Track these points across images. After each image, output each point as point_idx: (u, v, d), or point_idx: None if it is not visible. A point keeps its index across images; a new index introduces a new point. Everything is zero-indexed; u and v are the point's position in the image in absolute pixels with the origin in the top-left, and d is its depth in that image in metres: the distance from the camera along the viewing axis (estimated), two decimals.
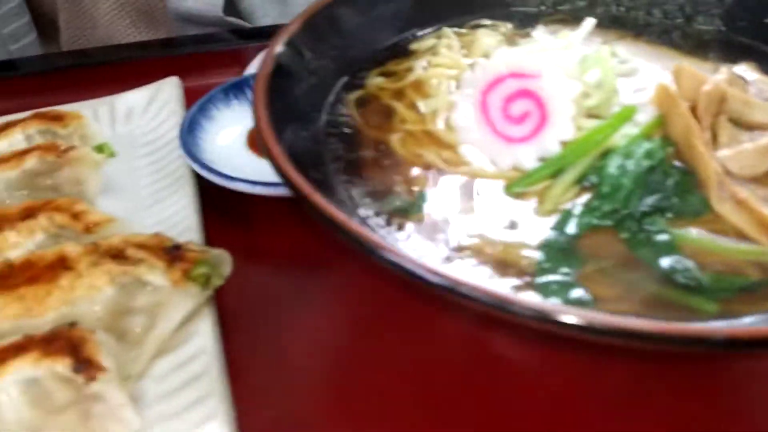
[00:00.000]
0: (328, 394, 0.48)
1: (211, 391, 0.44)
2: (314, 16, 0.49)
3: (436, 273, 0.30)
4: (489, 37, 0.56)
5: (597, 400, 0.44)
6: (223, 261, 0.49)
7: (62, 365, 0.39)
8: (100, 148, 0.58)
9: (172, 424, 0.43)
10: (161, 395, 0.44)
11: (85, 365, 0.38)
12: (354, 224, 0.33)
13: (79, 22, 0.99)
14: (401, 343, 0.51)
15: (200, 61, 0.82)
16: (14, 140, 0.60)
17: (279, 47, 0.46)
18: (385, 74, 0.54)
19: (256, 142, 0.68)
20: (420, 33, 0.58)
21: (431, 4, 0.59)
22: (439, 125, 0.47)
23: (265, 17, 1.01)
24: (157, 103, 0.71)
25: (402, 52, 0.57)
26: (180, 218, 0.57)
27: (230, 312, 0.51)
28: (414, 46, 0.57)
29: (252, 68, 0.79)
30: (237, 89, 0.71)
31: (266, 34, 0.90)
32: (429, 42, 0.57)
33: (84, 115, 0.61)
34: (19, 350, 0.40)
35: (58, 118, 0.60)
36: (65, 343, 0.40)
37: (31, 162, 0.55)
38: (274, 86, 0.43)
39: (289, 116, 0.43)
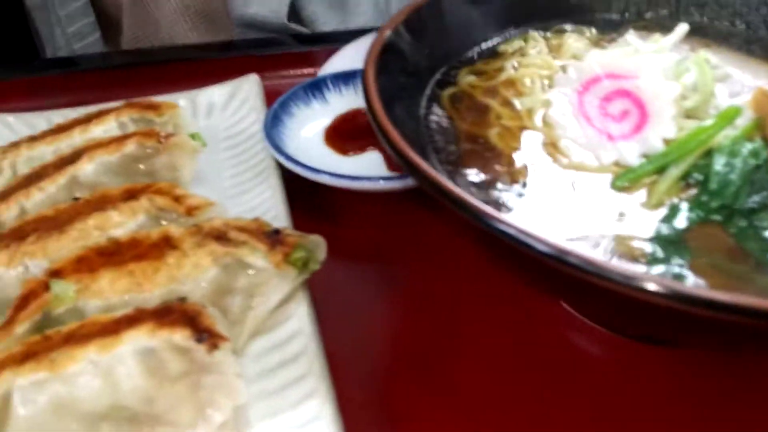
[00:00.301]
0: (412, 376, 0.49)
1: (310, 370, 0.45)
2: (415, 11, 0.51)
3: (567, 251, 0.31)
4: (576, 40, 0.57)
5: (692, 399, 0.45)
6: (319, 246, 0.50)
7: (180, 335, 0.40)
8: (193, 137, 0.59)
9: (273, 401, 0.44)
10: (260, 373, 0.46)
11: (207, 335, 0.39)
12: (479, 203, 0.34)
13: (141, 24, 1.02)
14: (486, 336, 0.52)
15: (271, 62, 0.84)
16: (108, 127, 0.62)
17: (388, 32, 0.47)
18: (475, 73, 0.55)
19: (333, 138, 0.70)
20: (507, 35, 0.59)
21: (517, 8, 0.60)
22: (537, 122, 0.48)
23: (325, 24, 1.04)
24: (238, 98, 0.73)
25: (489, 53, 0.58)
26: (266, 208, 0.59)
27: (316, 298, 0.52)
28: (501, 47, 0.58)
29: (326, 69, 0.81)
30: (315, 88, 0.73)
31: (329, 39, 0.93)
32: (516, 44, 0.58)
33: (178, 105, 0.63)
34: (132, 322, 0.42)
35: (153, 107, 0.62)
36: (180, 315, 0.41)
37: (130, 147, 0.57)
38: (381, 70, 0.45)
39: (394, 105, 0.44)
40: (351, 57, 0.81)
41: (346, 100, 0.74)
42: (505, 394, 0.47)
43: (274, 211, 0.58)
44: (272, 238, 0.49)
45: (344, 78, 0.75)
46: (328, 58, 0.83)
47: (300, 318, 0.48)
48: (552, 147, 0.46)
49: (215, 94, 0.74)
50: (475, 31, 0.58)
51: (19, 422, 0.39)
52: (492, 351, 0.51)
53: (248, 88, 0.74)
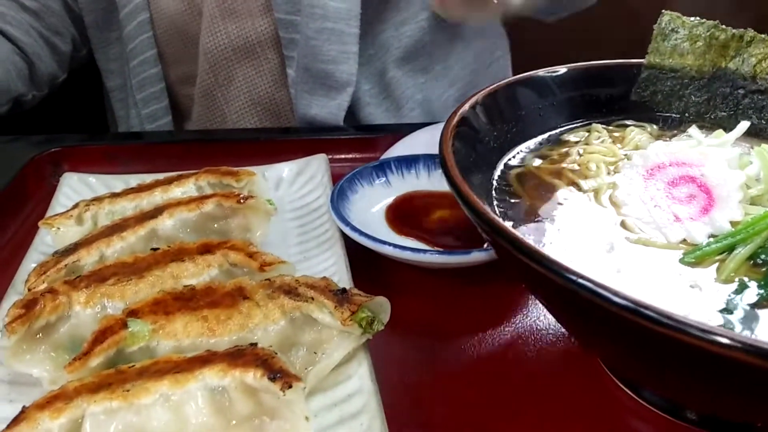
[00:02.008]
0: None
1: (370, 427, 0.45)
2: (491, 94, 0.54)
3: (646, 304, 0.32)
4: (639, 134, 0.60)
5: None
6: (384, 308, 0.51)
7: (252, 375, 0.41)
8: (268, 202, 0.63)
9: None
10: (318, 430, 0.46)
11: (281, 374, 0.40)
12: (557, 259, 0.35)
13: (210, 115, 1.09)
14: (536, 413, 0.51)
15: (336, 145, 0.88)
16: (187, 189, 0.66)
17: (466, 107, 0.51)
18: (541, 157, 0.58)
19: (393, 217, 0.73)
20: (570, 126, 0.62)
21: (581, 103, 0.63)
22: (604, 201, 0.50)
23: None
24: (306, 174, 0.77)
25: (554, 140, 0.61)
26: (330, 273, 0.61)
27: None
28: (565, 137, 0.61)
29: (388, 155, 0.85)
30: (379, 169, 0.77)
31: (388, 130, 0.98)
32: (580, 134, 0.61)
33: (255, 173, 0.67)
34: (205, 362, 0.43)
35: (231, 173, 0.66)
36: (252, 357, 0.42)
37: (210, 206, 0.60)
38: (456, 140, 0.48)
39: (468, 176, 0.47)
40: (412, 145, 0.85)
41: (408, 183, 0.77)
42: None
43: (338, 276, 0.60)
44: (340, 296, 0.50)
45: (406, 162, 0.78)
46: (389, 146, 0.88)
47: (361, 377, 0.49)
48: (619, 224, 0.48)
49: (285, 169, 0.78)
50: (541, 120, 0.61)
51: None
52: (544, 427, 0.50)
53: (317, 165, 0.78)
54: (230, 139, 0.96)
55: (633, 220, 0.48)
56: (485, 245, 0.67)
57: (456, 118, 0.50)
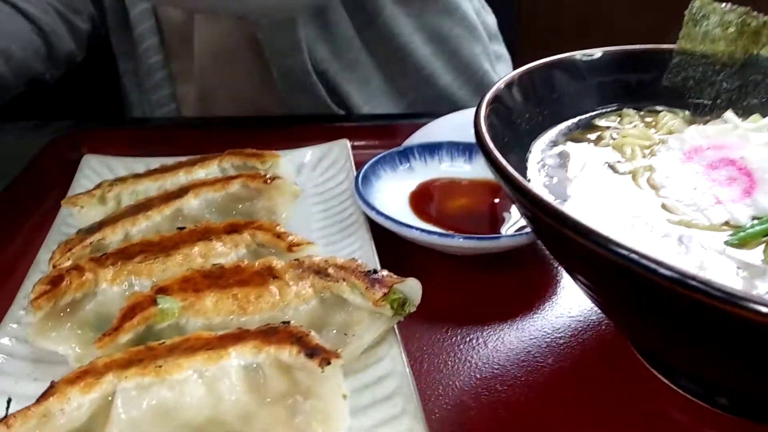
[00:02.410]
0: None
1: (405, 409, 0.44)
2: (527, 73, 0.53)
3: (693, 275, 0.31)
4: (672, 119, 0.59)
5: None
6: (415, 291, 0.50)
7: (288, 353, 0.40)
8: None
9: None
10: (350, 412, 0.45)
11: (319, 351, 0.39)
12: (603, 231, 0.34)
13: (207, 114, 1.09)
14: (570, 399, 0.50)
15: (359, 132, 0.87)
16: (211, 171, 0.65)
17: (501, 84, 0.50)
18: (572, 140, 0.57)
19: (417, 204, 0.72)
20: (602, 110, 0.61)
21: (613, 87, 0.62)
22: (642, 183, 0.49)
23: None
24: (328, 159, 0.76)
25: (585, 124, 0.60)
26: (356, 258, 0.59)
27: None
28: (596, 121, 0.60)
29: (412, 141, 0.84)
30: (403, 155, 0.76)
31: (412, 116, 0.97)
32: (611, 118, 0.60)
33: (280, 155, 0.66)
34: (237, 339, 0.42)
35: (256, 155, 0.65)
36: (286, 335, 0.42)
37: (235, 186, 0.59)
38: (490, 117, 0.47)
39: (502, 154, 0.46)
40: (433, 132, 0.85)
41: (431, 169, 0.76)
42: None
43: (365, 260, 0.58)
44: (371, 277, 0.49)
45: (430, 149, 0.77)
46: (409, 134, 0.87)
47: (393, 359, 0.48)
48: (660, 206, 0.47)
49: (307, 154, 0.77)
50: (572, 104, 0.60)
51: (120, 424, 0.38)
52: (577, 415, 0.49)
53: (339, 150, 0.77)
54: (250, 124, 0.95)
55: (673, 202, 0.47)
56: (514, 230, 0.66)
57: (491, 95, 0.49)
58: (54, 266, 0.52)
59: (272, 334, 0.42)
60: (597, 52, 0.59)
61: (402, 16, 1.01)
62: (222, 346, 0.41)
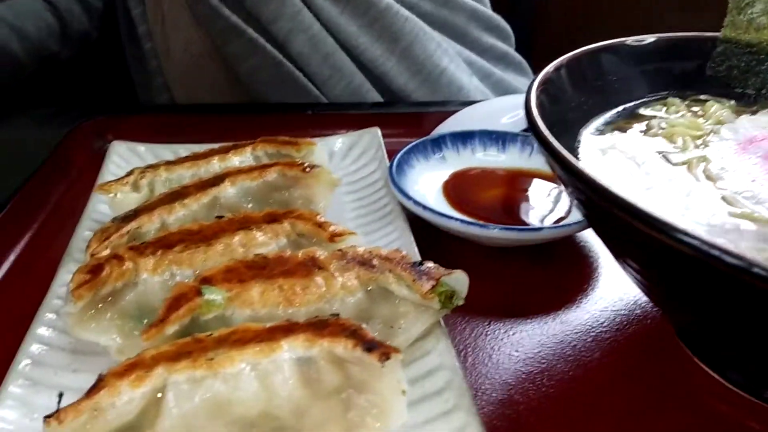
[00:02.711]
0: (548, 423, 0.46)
1: (458, 404, 0.43)
2: (576, 58, 0.52)
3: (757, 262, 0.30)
4: (719, 109, 0.57)
5: None
6: (462, 283, 0.49)
7: (343, 346, 0.39)
8: None
9: None
10: None
11: (378, 345, 0.38)
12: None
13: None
14: (616, 391, 0.49)
15: (389, 120, 0.86)
16: (244, 158, 0.64)
17: (551, 68, 0.49)
18: (618, 129, 0.56)
19: (451, 195, 0.71)
20: (646, 99, 0.60)
21: (658, 76, 0.61)
22: (698, 175, 0.48)
23: None
24: (359, 148, 0.75)
25: (629, 114, 0.58)
26: (395, 248, 0.58)
27: None
28: (641, 110, 0.59)
29: (440, 130, 0.82)
30: (435, 144, 0.75)
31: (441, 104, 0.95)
32: (656, 107, 0.59)
33: (315, 143, 0.65)
34: (287, 332, 0.41)
35: (291, 143, 0.63)
36: (339, 328, 0.40)
37: (272, 175, 0.58)
38: (541, 104, 0.45)
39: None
40: (464, 121, 0.83)
41: (463, 159, 0.75)
42: None
43: (404, 251, 0.57)
44: (417, 269, 0.48)
45: (462, 137, 0.76)
46: (437, 123, 0.85)
47: (441, 353, 0.47)
48: (719, 198, 0.46)
49: (337, 142, 0.75)
50: (616, 93, 0.59)
51: (171, 419, 0.37)
52: (626, 408, 0.48)
53: (369, 138, 0.75)
54: (276, 111, 0.94)
55: (731, 194, 0.46)
56: (551, 222, 0.65)
57: (541, 78, 0.48)
58: (92, 255, 0.50)
59: (323, 326, 0.41)
60: (648, 38, 0.58)
61: (340, 16, 0.97)
62: (273, 339, 0.40)
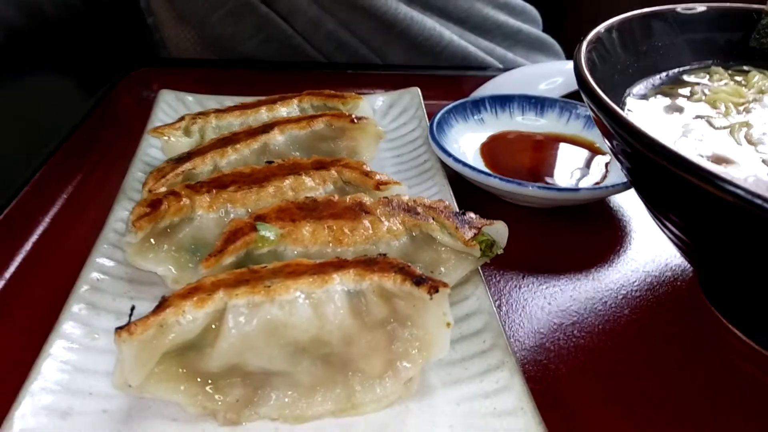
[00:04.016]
0: (583, 378, 0.48)
1: (495, 344, 0.45)
2: (627, 21, 0.53)
3: None
4: (762, 79, 0.58)
5: None
6: (502, 234, 0.51)
7: (393, 281, 0.41)
8: None
9: (454, 371, 0.44)
10: None
11: (426, 279, 0.40)
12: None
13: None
14: (650, 351, 0.51)
15: (427, 81, 0.87)
16: (291, 109, 0.66)
17: (602, 28, 0.50)
18: (662, 93, 0.57)
19: (488, 156, 0.72)
20: (690, 67, 0.61)
21: (703, 44, 0.62)
22: (740, 138, 0.49)
23: None
24: (399, 107, 0.77)
25: (673, 79, 0.59)
26: None
27: None
28: (685, 77, 0.60)
29: (479, 93, 0.84)
30: (474, 106, 0.76)
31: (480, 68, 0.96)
32: (700, 74, 0.59)
33: (362, 97, 0.66)
34: (338, 267, 0.43)
35: (337, 96, 0.65)
36: (387, 265, 0.43)
37: (320, 125, 0.60)
38: (591, 60, 0.47)
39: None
40: (503, 85, 0.84)
41: (501, 122, 0.76)
42: (669, 409, 0.46)
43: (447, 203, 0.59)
44: (460, 218, 0.50)
45: (501, 101, 0.77)
46: (475, 86, 0.87)
47: (479, 297, 0.49)
48: (760, 162, 0.47)
49: (378, 100, 0.77)
50: (661, 58, 0.59)
51: (230, 339, 0.40)
52: (653, 363, 0.50)
53: (409, 98, 0.77)
54: (316, 68, 0.96)
55: None
56: (590, 183, 0.66)
57: (592, 36, 0.49)
58: (150, 191, 0.53)
59: (372, 263, 0.43)
60: (698, 6, 0.58)
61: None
62: (325, 272, 0.42)
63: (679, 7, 0.58)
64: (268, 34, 0.96)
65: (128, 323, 0.38)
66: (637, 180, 0.46)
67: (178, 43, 1.03)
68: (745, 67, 0.63)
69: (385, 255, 0.45)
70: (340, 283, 0.42)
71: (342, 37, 0.97)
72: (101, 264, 0.52)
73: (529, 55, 1.13)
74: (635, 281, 0.57)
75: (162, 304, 0.40)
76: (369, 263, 0.43)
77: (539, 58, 1.13)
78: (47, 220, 0.62)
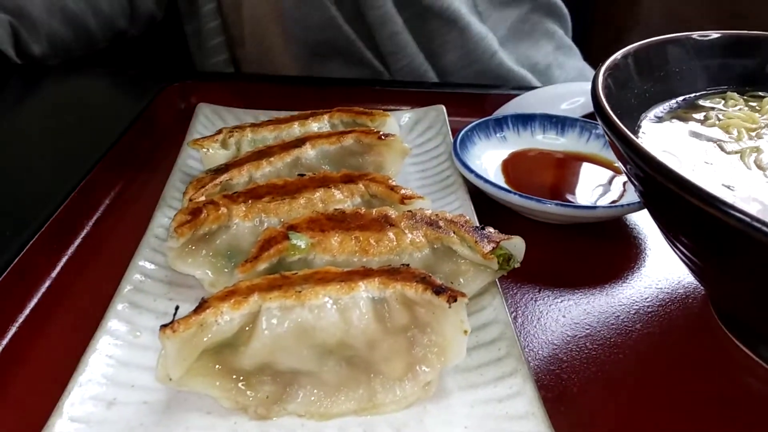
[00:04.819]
0: (593, 388, 0.51)
1: (509, 353, 0.48)
2: (645, 48, 0.56)
3: None
4: None
5: None
6: (519, 249, 0.54)
7: (414, 290, 0.44)
8: None
9: (470, 376, 0.47)
10: None
11: (446, 289, 0.43)
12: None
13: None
14: (660, 364, 0.53)
15: (453, 99, 0.90)
16: (322, 125, 0.69)
17: (619, 55, 0.53)
18: (677, 118, 0.59)
19: (509, 173, 0.75)
20: (706, 92, 0.63)
21: (720, 70, 0.64)
22: (750, 163, 0.51)
23: None
24: (424, 123, 0.80)
25: (689, 104, 0.62)
26: None
27: None
28: (700, 102, 0.62)
29: (502, 111, 0.87)
30: (497, 124, 0.79)
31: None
32: (715, 100, 0.62)
33: (389, 114, 0.70)
34: (364, 276, 0.46)
35: (366, 113, 0.69)
36: (409, 275, 0.46)
37: (349, 141, 0.63)
38: (608, 87, 0.49)
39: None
40: (525, 104, 0.87)
41: (523, 140, 0.79)
42: (675, 421, 0.48)
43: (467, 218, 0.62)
44: (480, 232, 0.53)
45: (523, 119, 0.80)
46: (501, 104, 0.89)
47: (496, 308, 0.52)
48: (765, 185, 0.49)
49: (404, 117, 0.80)
50: (678, 83, 0.62)
51: (263, 339, 0.43)
52: (661, 377, 0.52)
53: (435, 115, 0.80)
54: (344, 85, 1.00)
55: None
56: (608, 202, 0.68)
57: (609, 63, 0.52)
58: (190, 200, 0.57)
59: (396, 273, 0.46)
60: (713, 34, 0.61)
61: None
62: (351, 280, 0.45)
63: (695, 34, 0.60)
64: (331, 34, 1.02)
65: (172, 321, 0.42)
66: (649, 202, 0.49)
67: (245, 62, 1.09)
68: (761, 93, 0.65)
69: (408, 265, 0.48)
70: (365, 290, 0.45)
71: (401, 41, 1.02)
72: (143, 266, 0.56)
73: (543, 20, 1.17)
74: (648, 297, 0.60)
75: (202, 305, 0.44)
76: (393, 272, 0.46)
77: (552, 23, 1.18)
78: (91, 224, 0.67)
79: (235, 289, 0.45)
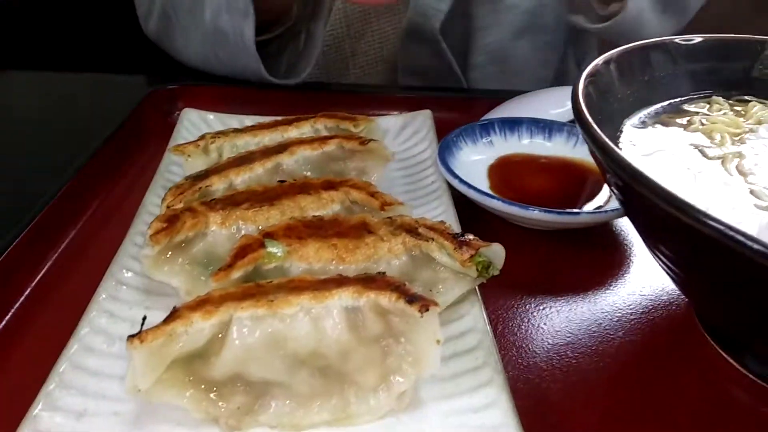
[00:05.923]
0: (574, 399, 0.50)
1: (486, 362, 0.47)
2: (626, 53, 0.55)
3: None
4: (761, 109, 0.60)
5: None
6: (499, 256, 0.53)
7: (388, 299, 0.43)
8: None
9: (446, 386, 0.47)
10: None
11: (418, 298, 0.43)
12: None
13: (332, 66, 1.13)
14: (640, 373, 0.53)
15: (440, 103, 0.89)
16: (305, 131, 0.69)
17: (601, 61, 0.52)
18: (661, 123, 0.59)
19: (495, 178, 0.74)
20: (691, 96, 0.63)
21: (703, 75, 0.63)
22: (731, 169, 0.51)
23: None
24: (411, 128, 0.79)
25: (674, 109, 0.61)
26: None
27: None
28: (685, 106, 0.61)
29: (489, 116, 0.86)
30: (483, 129, 0.78)
31: (492, 94, 0.99)
32: (700, 105, 0.61)
33: (373, 119, 0.69)
34: (339, 284, 0.46)
35: (349, 118, 0.68)
36: (385, 283, 0.45)
37: (331, 146, 0.63)
38: (588, 95, 0.49)
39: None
40: (514, 109, 0.86)
41: (510, 145, 0.78)
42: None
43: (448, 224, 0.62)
44: (459, 239, 0.52)
45: (510, 124, 0.79)
46: (488, 109, 0.89)
47: (474, 317, 0.51)
48: (748, 192, 0.48)
49: (390, 121, 0.80)
50: (662, 88, 0.61)
51: (234, 349, 0.43)
52: (643, 386, 0.51)
53: (422, 120, 0.80)
54: (334, 90, 0.99)
55: (760, 188, 0.48)
56: (593, 207, 0.68)
57: (590, 70, 0.51)
58: (168, 207, 0.56)
59: (371, 281, 0.45)
60: (695, 38, 0.60)
61: None
62: (326, 289, 0.45)
63: (678, 38, 0.60)
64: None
65: (140, 331, 0.41)
66: (628, 211, 0.48)
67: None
68: (747, 98, 0.64)
69: (384, 273, 0.48)
70: (339, 299, 0.44)
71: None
72: (120, 275, 0.55)
73: None
74: (631, 304, 0.59)
75: (172, 315, 0.44)
76: (368, 281, 0.46)
77: None
78: (74, 232, 0.66)
79: (207, 298, 0.45)
